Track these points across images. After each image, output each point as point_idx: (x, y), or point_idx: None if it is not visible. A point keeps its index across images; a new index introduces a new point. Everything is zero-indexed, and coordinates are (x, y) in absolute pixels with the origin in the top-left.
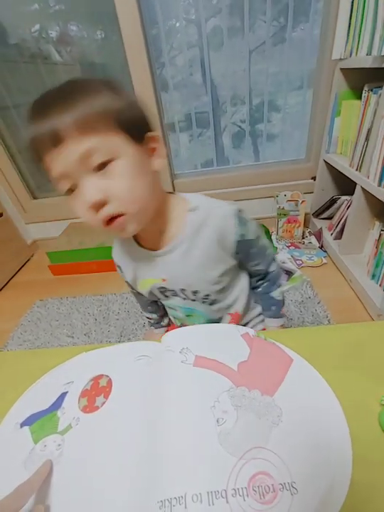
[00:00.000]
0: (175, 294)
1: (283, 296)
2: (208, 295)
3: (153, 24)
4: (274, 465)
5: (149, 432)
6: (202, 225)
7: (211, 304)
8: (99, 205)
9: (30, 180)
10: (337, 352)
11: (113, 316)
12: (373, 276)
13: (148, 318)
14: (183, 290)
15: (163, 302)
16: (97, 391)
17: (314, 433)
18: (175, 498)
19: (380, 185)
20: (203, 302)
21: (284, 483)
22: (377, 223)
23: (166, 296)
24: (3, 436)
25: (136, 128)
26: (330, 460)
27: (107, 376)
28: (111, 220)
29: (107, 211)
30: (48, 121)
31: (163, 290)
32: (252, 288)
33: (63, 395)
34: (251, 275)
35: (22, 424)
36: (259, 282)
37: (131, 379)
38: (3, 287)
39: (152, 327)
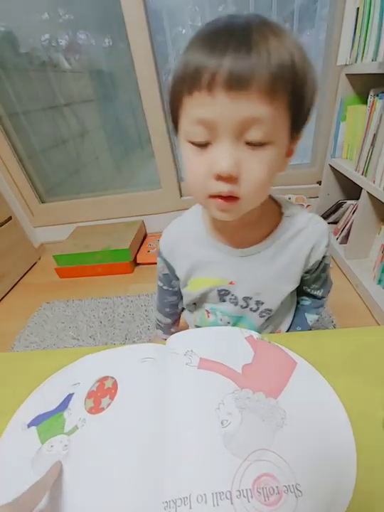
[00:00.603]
0: (234, 301)
1: (312, 324)
2: (270, 310)
3: (159, 31)
4: (278, 467)
5: (154, 433)
6: (297, 235)
7: (267, 318)
8: (227, 179)
9: (39, 184)
10: (340, 356)
11: (118, 318)
12: (380, 281)
13: (158, 321)
14: (247, 298)
15: (213, 305)
16: (102, 392)
17: (318, 436)
18: (180, 498)
19: None
20: (261, 316)
21: (289, 486)
22: (383, 228)
23: (223, 301)
24: (11, 436)
25: (303, 117)
26: (335, 463)
27: (113, 377)
28: (225, 197)
29: (231, 189)
30: (243, 57)
31: (224, 293)
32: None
33: (70, 396)
34: (301, 293)
35: (29, 425)
36: (305, 299)
37: (136, 381)
38: (10, 289)
39: (159, 331)
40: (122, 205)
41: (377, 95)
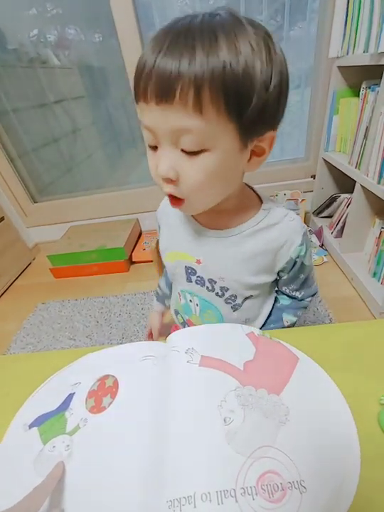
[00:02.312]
0: (200, 282)
1: (288, 325)
2: (235, 296)
3: (150, 26)
4: (282, 464)
5: (157, 431)
6: (269, 228)
7: (234, 308)
8: (167, 180)
9: (31, 184)
10: (337, 352)
11: (114, 318)
12: (375, 274)
13: (159, 287)
14: (212, 280)
15: (182, 286)
16: (103, 391)
17: (322, 431)
18: (184, 497)
19: (379, 182)
20: (227, 303)
21: (293, 482)
22: (377, 221)
23: (190, 281)
24: (13, 438)
25: (257, 125)
26: (338, 458)
27: (113, 376)
28: (172, 197)
29: (170, 191)
30: (168, 69)
31: (191, 272)
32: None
33: (71, 395)
34: (280, 293)
35: (30, 425)
36: (284, 298)
37: (138, 379)
38: (5, 291)
39: (157, 302)
40: (116, 203)
41: (370, 87)
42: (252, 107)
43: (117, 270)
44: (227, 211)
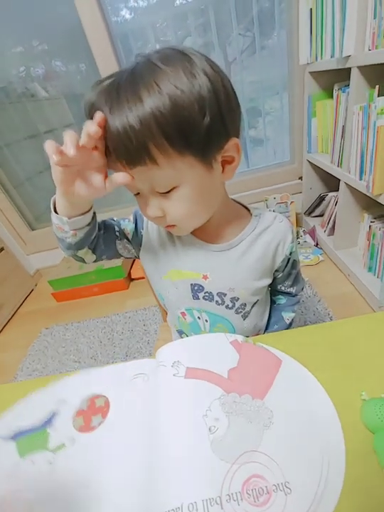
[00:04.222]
0: (209, 298)
1: (290, 322)
2: (244, 305)
3: (127, 52)
4: (267, 467)
5: (147, 448)
6: (264, 231)
7: (244, 317)
8: (157, 219)
9: (27, 212)
10: (320, 351)
11: (117, 336)
12: (370, 268)
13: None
14: (221, 294)
15: (187, 305)
16: (93, 411)
17: (306, 431)
18: (172, 509)
19: (361, 178)
20: (237, 313)
21: (278, 484)
22: (366, 215)
23: (197, 298)
24: None
25: (211, 144)
26: (323, 457)
27: (104, 396)
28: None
29: (164, 223)
30: (115, 144)
31: (198, 289)
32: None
33: (55, 413)
34: (276, 292)
35: (8, 438)
36: (280, 298)
37: (128, 399)
38: (9, 319)
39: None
40: None
41: (341, 89)
42: (196, 134)
43: (117, 289)
44: (223, 223)
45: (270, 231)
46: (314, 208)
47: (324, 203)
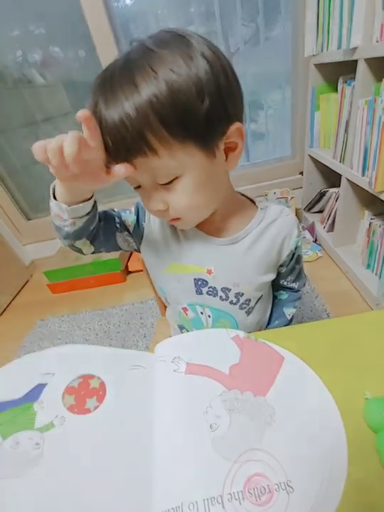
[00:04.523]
0: (213, 293)
1: (291, 318)
2: (249, 300)
3: (127, 37)
4: (269, 465)
5: (143, 442)
6: (270, 225)
7: (248, 312)
8: (160, 212)
9: (23, 202)
10: (322, 348)
11: (114, 329)
12: (368, 265)
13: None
14: (226, 289)
15: (190, 299)
16: (87, 392)
17: (308, 429)
18: (172, 508)
19: (363, 175)
20: (242, 308)
21: (280, 483)
22: (366, 212)
23: (200, 293)
24: None
25: (212, 130)
26: (325, 456)
27: (100, 378)
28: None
29: (168, 217)
30: (112, 137)
31: (201, 283)
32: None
33: (41, 386)
34: (278, 288)
35: None
36: (282, 293)
37: (126, 388)
38: (4, 311)
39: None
40: None
41: (346, 82)
42: (195, 120)
43: (114, 281)
44: (228, 216)
45: (276, 225)
46: (314, 203)
47: (324, 198)
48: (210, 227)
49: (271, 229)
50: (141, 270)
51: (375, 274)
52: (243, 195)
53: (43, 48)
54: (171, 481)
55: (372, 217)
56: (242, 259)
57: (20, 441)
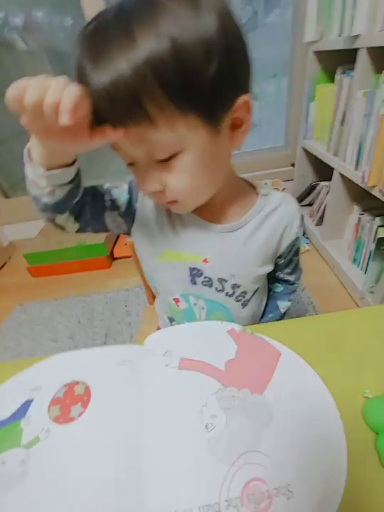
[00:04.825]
0: (208, 283)
1: (285, 311)
2: (245, 292)
3: None
4: (267, 469)
5: (133, 445)
6: (272, 213)
7: (244, 305)
8: (155, 194)
9: (1, 178)
10: (320, 344)
11: (97, 316)
12: (354, 260)
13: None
14: (222, 280)
15: (183, 290)
16: (71, 400)
17: (307, 429)
18: None
19: (356, 169)
20: (237, 301)
21: (279, 488)
22: (355, 207)
23: (194, 283)
24: None
25: (218, 102)
26: (325, 457)
27: (84, 383)
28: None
29: (164, 199)
30: (100, 101)
31: (196, 273)
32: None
33: (28, 402)
34: (273, 280)
35: None
36: (277, 285)
37: (113, 387)
38: None
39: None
40: None
41: (345, 72)
42: (200, 85)
43: (98, 267)
44: (228, 201)
45: (278, 213)
46: (304, 196)
47: (315, 192)
48: (208, 213)
49: (272, 217)
50: (128, 256)
51: (361, 269)
52: (243, 180)
53: (26, 11)
54: (163, 488)
55: (361, 212)
56: (241, 248)
57: (6, 460)
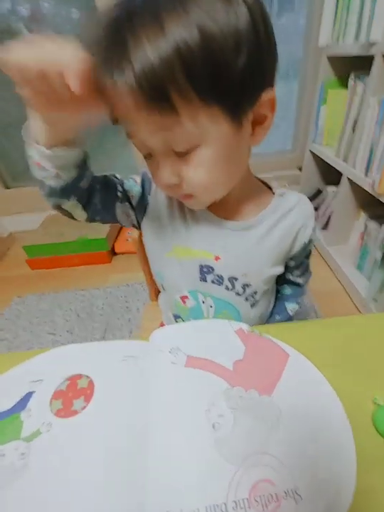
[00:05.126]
0: (218, 281)
1: (293, 314)
2: (255, 292)
3: None
4: (276, 471)
5: (138, 442)
6: (287, 213)
7: (253, 305)
8: (172, 187)
9: (3, 168)
10: (328, 348)
11: (97, 311)
12: (359, 266)
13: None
14: (233, 279)
15: (192, 287)
16: (74, 393)
17: (316, 433)
18: None
19: (366, 175)
20: (247, 300)
21: (288, 490)
22: (362, 214)
23: (204, 280)
24: None
25: (244, 96)
26: (334, 462)
27: (88, 377)
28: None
29: (179, 193)
30: (119, 87)
31: (207, 270)
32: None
33: (29, 394)
34: (282, 282)
35: None
36: (286, 288)
37: (117, 382)
38: None
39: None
40: None
41: (359, 77)
42: (227, 78)
43: (99, 261)
44: (243, 199)
45: (293, 214)
46: (310, 200)
47: (321, 196)
48: (222, 210)
49: (287, 218)
50: (129, 252)
51: (365, 276)
52: (259, 179)
53: (33, 1)
54: (168, 487)
55: (368, 219)
56: (254, 247)
57: (6, 452)
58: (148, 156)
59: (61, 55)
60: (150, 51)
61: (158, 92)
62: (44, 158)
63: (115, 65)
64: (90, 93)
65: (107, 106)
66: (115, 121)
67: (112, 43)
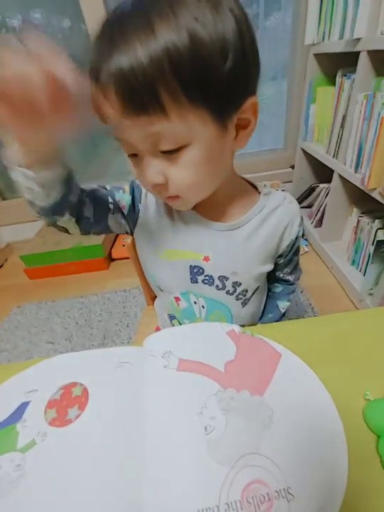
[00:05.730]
0: (209, 281)
1: (285, 312)
2: (246, 291)
3: None
4: (268, 471)
5: (131, 448)
6: (273, 212)
7: (244, 304)
8: (157, 187)
9: None
10: (320, 345)
11: (95, 318)
12: (353, 262)
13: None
14: (223, 278)
15: (184, 288)
16: (69, 402)
17: (308, 432)
18: None
19: (356, 171)
20: (238, 299)
21: (280, 490)
22: (355, 210)
23: (195, 281)
24: None
25: (229, 100)
26: (326, 460)
27: (82, 384)
28: (167, 196)
29: (165, 194)
30: (119, 85)
31: (197, 271)
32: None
33: (24, 405)
34: (273, 280)
35: None
36: (277, 285)
37: (111, 389)
38: None
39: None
40: None
41: (345, 75)
42: (214, 81)
43: (96, 268)
44: (229, 200)
45: (279, 212)
46: (303, 198)
47: (314, 194)
48: (209, 211)
49: (273, 216)
50: (125, 258)
51: (360, 271)
52: (244, 179)
53: (24, 12)
54: (162, 491)
55: (361, 214)
56: (242, 246)
57: (2, 464)
58: (134, 156)
59: (48, 66)
60: (141, 51)
61: (148, 91)
62: (29, 180)
63: (105, 64)
64: (72, 103)
65: (96, 108)
66: (104, 121)
67: (103, 44)
